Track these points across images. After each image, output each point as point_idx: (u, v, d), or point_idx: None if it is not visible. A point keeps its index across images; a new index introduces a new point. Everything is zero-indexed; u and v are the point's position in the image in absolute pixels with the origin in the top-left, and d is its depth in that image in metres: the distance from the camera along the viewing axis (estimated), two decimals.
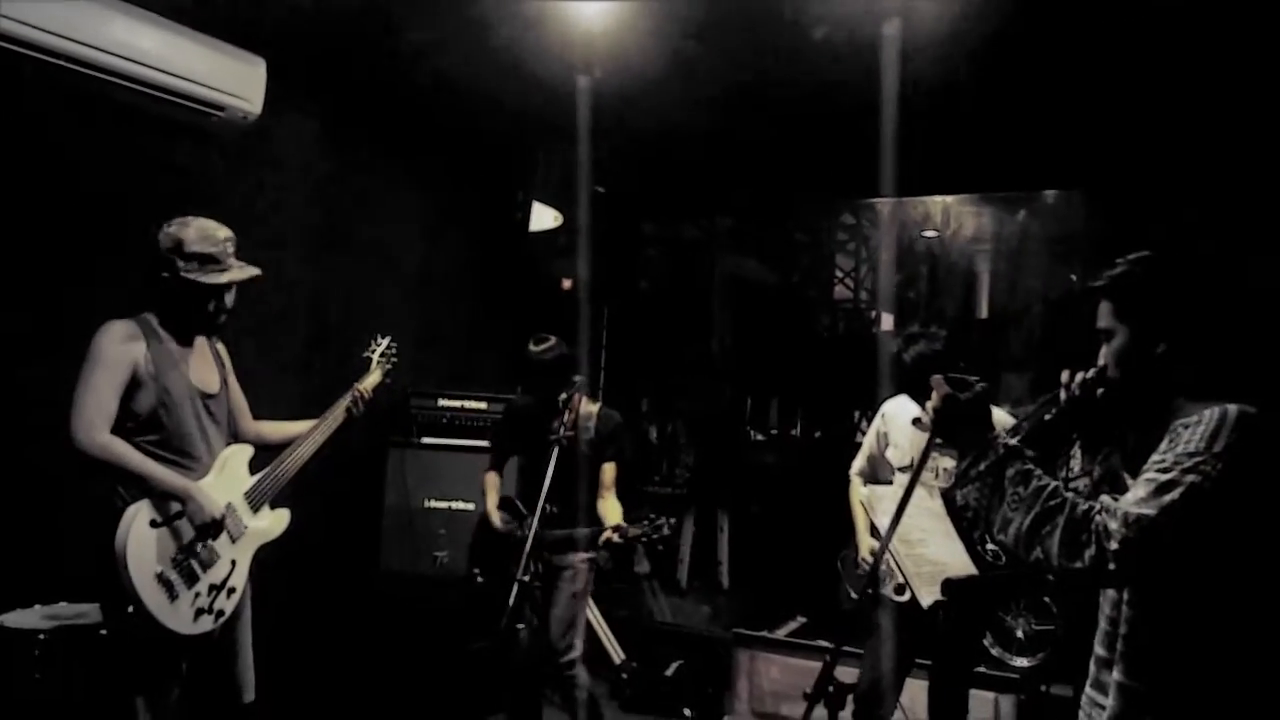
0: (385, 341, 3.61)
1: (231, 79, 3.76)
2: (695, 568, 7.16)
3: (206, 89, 3.68)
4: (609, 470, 3.89)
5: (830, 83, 4.36)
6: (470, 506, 4.64)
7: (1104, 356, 1.86)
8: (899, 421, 3.68)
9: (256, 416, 3.22)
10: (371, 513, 4.62)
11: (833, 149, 5.19)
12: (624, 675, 4.98)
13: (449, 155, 5.18)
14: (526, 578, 3.06)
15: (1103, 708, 1.81)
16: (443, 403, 4.78)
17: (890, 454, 3.71)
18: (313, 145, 4.54)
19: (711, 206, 7.55)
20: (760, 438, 8.39)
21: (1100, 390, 1.85)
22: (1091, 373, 1.87)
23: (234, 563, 2.91)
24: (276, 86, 3.89)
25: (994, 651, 5.34)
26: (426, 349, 4.95)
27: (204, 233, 2.82)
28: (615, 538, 3.63)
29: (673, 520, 3.68)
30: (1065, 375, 1.91)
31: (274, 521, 3.08)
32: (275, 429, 3.22)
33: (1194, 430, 1.67)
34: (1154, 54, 3.92)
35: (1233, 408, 1.67)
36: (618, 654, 5.10)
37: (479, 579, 3.80)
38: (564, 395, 3.57)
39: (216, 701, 2.95)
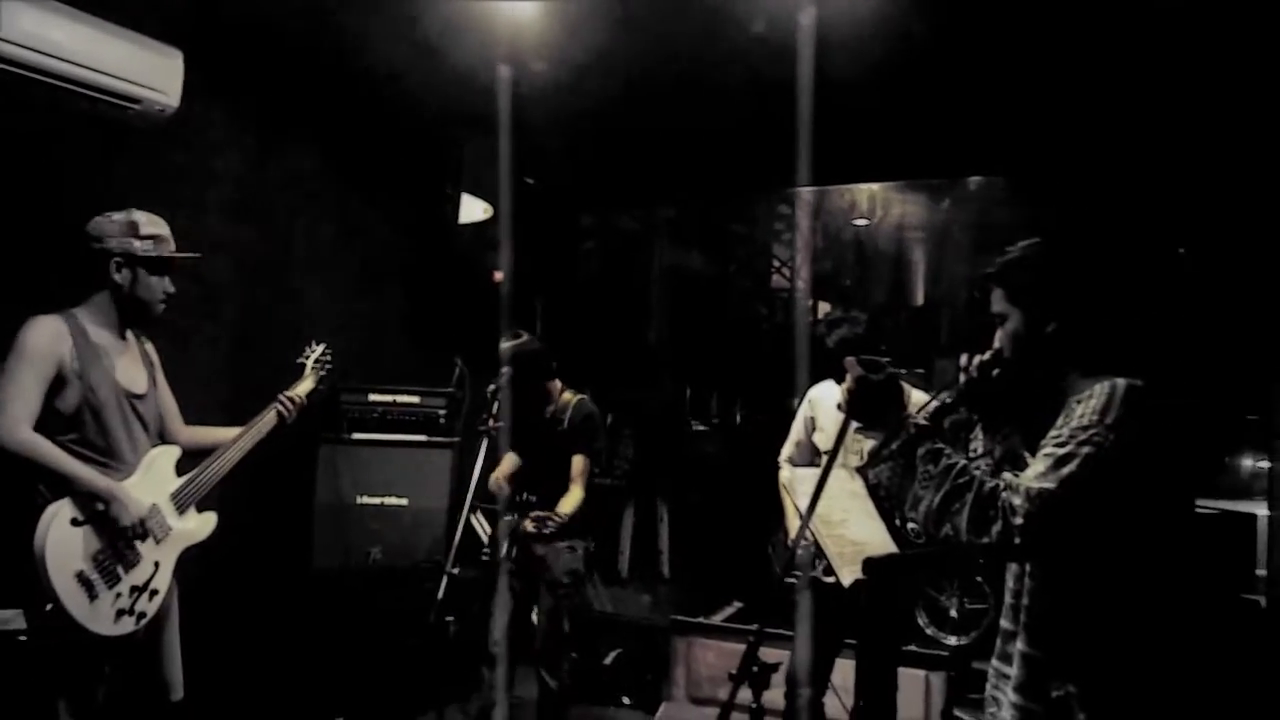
0: (320, 348, 3.60)
1: (147, 71, 3.66)
2: (636, 557, 7.20)
3: (121, 82, 3.57)
4: (577, 461, 3.93)
5: (759, 73, 4.39)
6: (404, 502, 4.61)
7: (999, 340, 1.93)
8: (825, 406, 3.73)
9: (186, 417, 3.18)
10: (303, 511, 4.56)
11: (764, 139, 5.23)
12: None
13: (376, 147, 5.12)
14: (455, 570, 3.06)
15: (1008, 678, 1.87)
16: (374, 397, 4.73)
17: (818, 438, 3.76)
18: (234, 139, 4.46)
19: (647, 198, 7.58)
20: (701, 427, 8.45)
21: (995, 371, 1.92)
22: (987, 355, 1.94)
23: (157, 564, 2.87)
24: (195, 79, 3.81)
25: (928, 630, 5.46)
26: (356, 343, 4.89)
27: (149, 216, 2.89)
28: (532, 524, 3.67)
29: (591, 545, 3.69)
30: (963, 359, 1.97)
31: (200, 524, 3.04)
32: (203, 434, 3.18)
33: (1086, 404, 1.73)
34: (1070, 41, 4.00)
35: (1121, 381, 1.74)
36: None
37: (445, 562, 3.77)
38: (491, 388, 3.59)
39: (143, 702, 2.92)
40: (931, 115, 4.79)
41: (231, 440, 3.10)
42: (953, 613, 5.48)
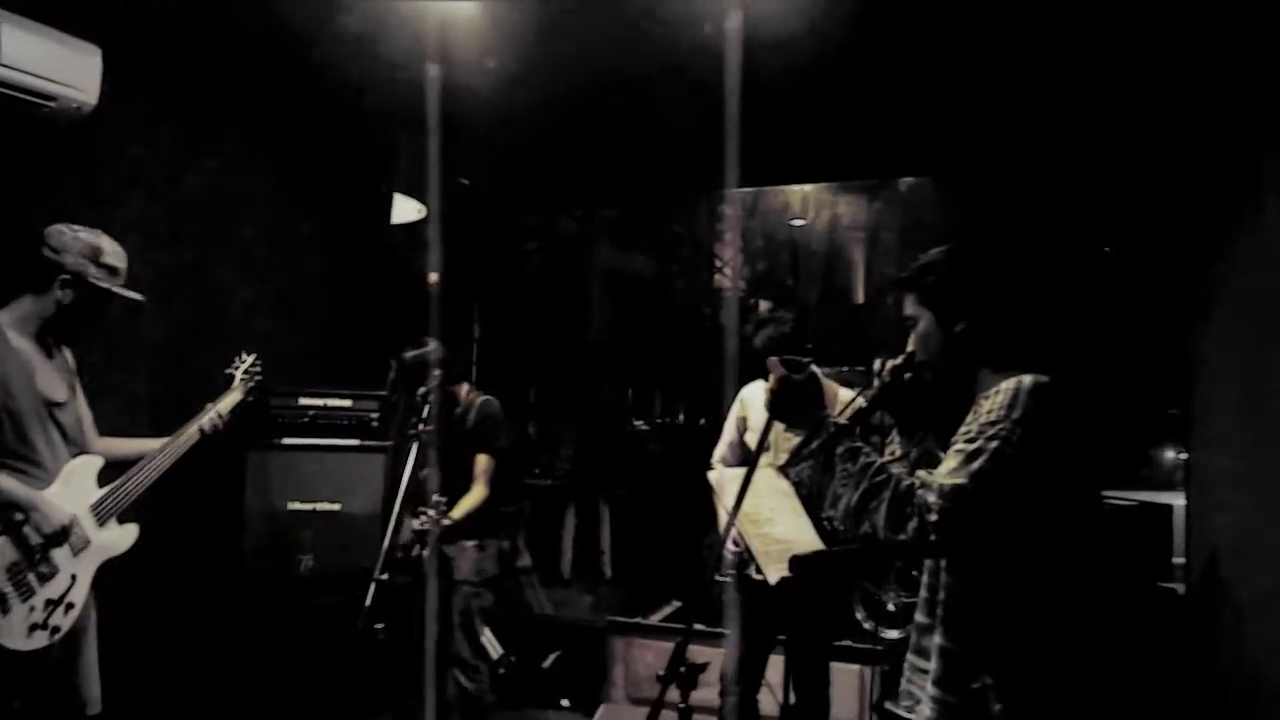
0: (250, 359, 3.55)
1: (63, 67, 3.56)
2: (578, 558, 7.19)
3: (35, 78, 3.47)
4: (479, 460, 3.96)
5: (695, 74, 4.38)
6: (336, 507, 4.54)
7: (911, 342, 1.97)
8: (756, 405, 3.76)
9: (107, 426, 3.11)
10: (231, 518, 4.48)
11: (699, 140, 5.24)
12: (501, 670, 4.96)
13: (306, 146, 5.04)
14: (385, 576, 3.03)
15: (926, 672, 1.90)
16: (304, 401, 4.63)
17: (749, 438, 3.79)
18: (156, 137, 4.35)
19: (587, 199, 7.57)
20: (644, 427, 8.47)
21: (908, 374, 1.95)
22: (900, 359, 1.97)
23: (74, 577, 2.80)
24: (115, 75, 3.71)
25: (866, 625, 5.52)
26: (286, 346, 4.82)
27: (114, 247, 2.91)
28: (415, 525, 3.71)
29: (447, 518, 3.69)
30: (877, 363, 2.01)
31: (120, 536, 2.98)
32: (124, 445, 3.12)
33: (993, 400, 1.77)
34: (994, 44, 4.08)
35: (1027, 377, 1.78)
36: (495, 648, 5.07)
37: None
38: (422, 391, 3.57)
39: (59, 717, 2.85)
40: (861, 117, 4.84)
41: (155, 452, 3.04)
42: (889, 606, 5.55)
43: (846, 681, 4.19)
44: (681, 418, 8.69)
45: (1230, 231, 3.52)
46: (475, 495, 3.89)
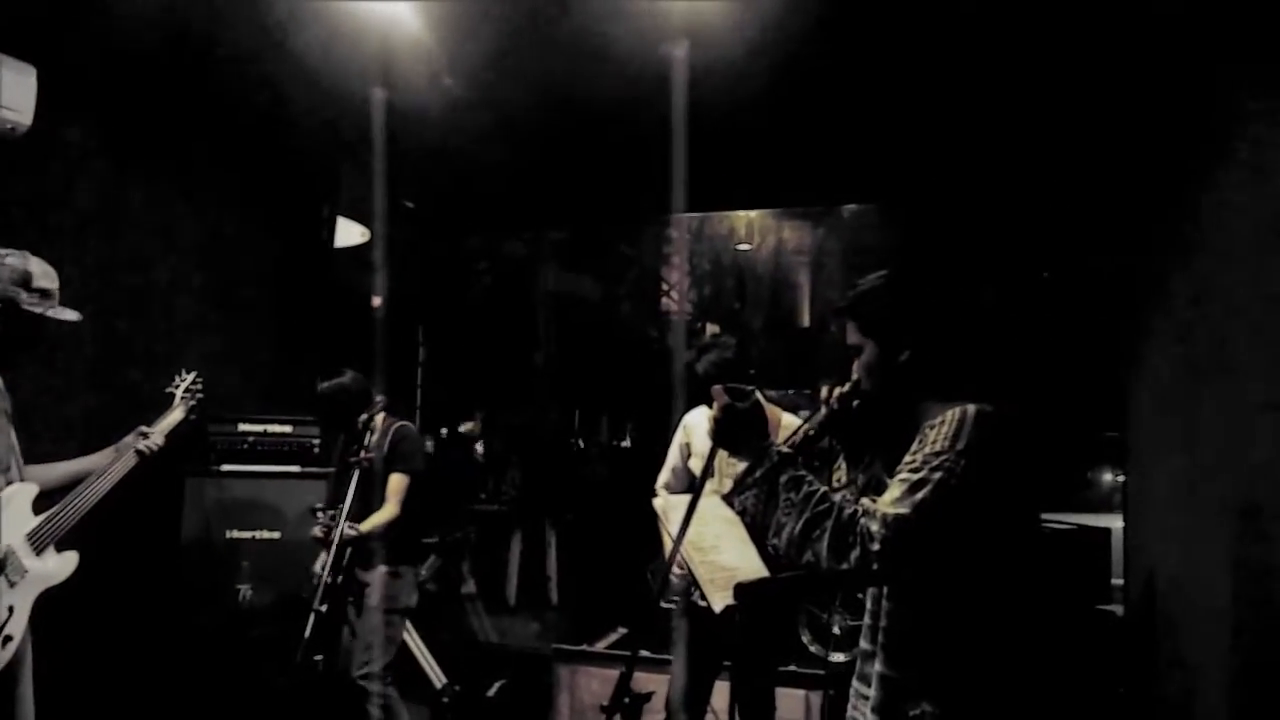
0: (190, 377, 3.48)
1: None
2: (524, 584, 7.12)
3: None
4: (393, 480, 3.92)
5: (641, 101, 4.42)
6: (276, 535, 4.46)
7: (856, 370, 1.98)
8: (699, 432, 3.76)
9: (43, 451, 3.03)
10: (168, 547, 4.37)
11: (646, 165, 5.27)
12: (445, 699, 4.88)
13: (248, 168, 4.96)
14: (324, 608, 2.97)
15: (867, 698, 1.90)
16: (243, 427, 4.56)
17: (693, 464, 3.79)
18: (94, 159, 4.26)
19: (533, 222, 7.55)
20: (590, 450, 8.44)
21: (855, 402, 1.96)
22: (846, 387, 1.98)
23: (11, 609, 2.71)
24: (52, 96, 3.64)
25: (812, 648, 5.53)
26: (225, 372, 4.72)
27: (44, 268, 2.82)
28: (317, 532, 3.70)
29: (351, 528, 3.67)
30: (824, 391, 2.02)
31: (59, 565, 2.89)
32: (58, 470, 3.03)
33: (938, 430, 1.78)
34: (939, 74, 4.15)
35: (972, 407, 1.79)
36: (439, 678, 5.00)
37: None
38: (364, 418, 3.52)
39: None
40: (805, 145, 4.90)
41: (95, 473, 2.96)
42: (835, 629, 5.56)
43: (791, 707, 4.19)
44: (628, 441, 8.69)
45: (1165, 257, 3.60)
46: (385, 512, 3.86)
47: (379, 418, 3.81)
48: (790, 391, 7.26)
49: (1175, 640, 3.37)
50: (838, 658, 5.56)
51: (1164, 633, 3.55)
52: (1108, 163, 4.31)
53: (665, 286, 9.35)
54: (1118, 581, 4.61)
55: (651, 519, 3.92)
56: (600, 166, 5.44)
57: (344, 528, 3.50)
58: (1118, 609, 4.48)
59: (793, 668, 4.43)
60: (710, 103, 4.20)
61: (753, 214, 7.82)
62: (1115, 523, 4.82)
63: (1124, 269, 4.34)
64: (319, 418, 4.32)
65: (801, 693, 4.22)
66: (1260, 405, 2.57)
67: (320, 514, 3.72)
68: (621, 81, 4.27)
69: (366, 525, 3.75)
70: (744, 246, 8.24)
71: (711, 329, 8.56)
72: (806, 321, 8.70)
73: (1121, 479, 5.21)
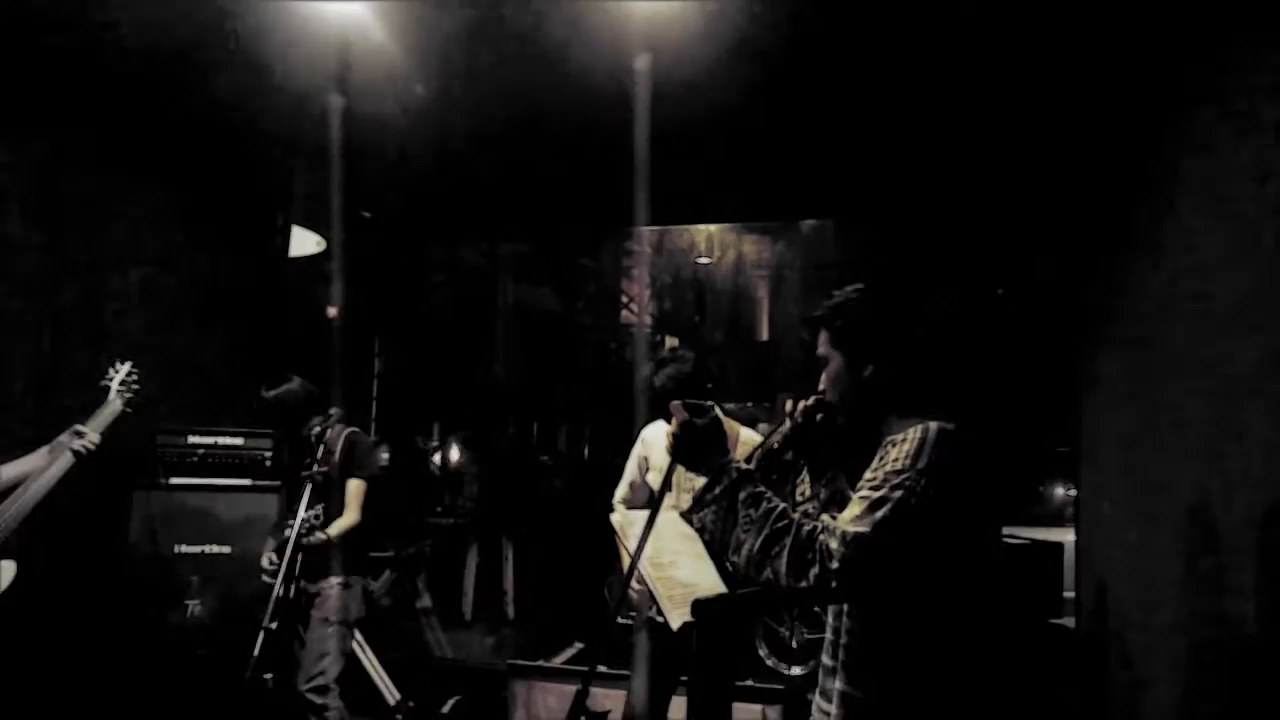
0: (125, 368, 3.38)
1: None
2: (480, 599, 7.05)
3: None
4: (351, 486, 3.88)
5: (602, 114, 4.42)
6: (226, 550, 4.37)
7: (822, 382, 1.97)
8: (657, 446, 3.74)
9: None
10: (114, 562, 4.26)
11: (607, 178, 5.26)
12: (398, 716, 4.81)
13: (201, 174, 4.87)
14: (274, 625, 2.91)
15: (828, 715, 1.89)
16: (193, 440, 4.47)
17: (651, 478, 3.78)
18: (42, 163, 4.16)
19: (493, 233, 7.51)
20: (548, 463, 8.39)
21: (819, 415, 1.96)
22: (812, 399, 1.97)
23: None
24: None
25: (769, 661, 5.52)
26: (176, 382, 4.63)
27: None
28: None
29: (322, 532, 3.63)
30: (789, 404, 2.01)
31: None
32: None
33: (900, 448, 1.78)
34: (898, 92, 4.19)
35: (934, 425, 1.79)
36: (393, 694, 4.92)
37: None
38: (315, 429, 3.45)
39: None
40: (765, 160, 4.92)
41: (31, 477, 2.88)
42: (792, 643, 5.57)
43: None
44: (586, 454, 8.65)
45: (1116, 273, 3.65)
46: (347, 519, 3.82)
47: (334, 427, 3.76)
48: (748, 405, 7.28)
49: (1127, 654, 3.41)
50: (795, 671, 5.57)
51: (1116, 647, 3.59)
52: (1060, 179, 4.37)
53: (625, 299, 9.34)
54: (1069, 595, 4.65)
55: (609, 533, 3.90)
56: (561, 178, 5.42)
57: (309, 533, 3.45)
58: (1069, 622, 4.53)
59: (750, 682, 4.42)
60: (672, 116, 4.20)
61: (713, 228, 7.84)
62: (1067, 536, 4.88)
63: (1075, 284, 4.39)
64: (263, 424, 4.24)
65: (758, 707, 4.20)
66: (1210, 420, 2.61)
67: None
68: (583, 93, 4.26)
69: (334, 530, 3.70)
70: (704, 260, 8.26)
71: (670, 342, 8.56)
72: (765, 335, 8.74)
73: (1072, 493, 5.27)
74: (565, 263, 8.73)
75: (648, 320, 9.21)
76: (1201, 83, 2.84)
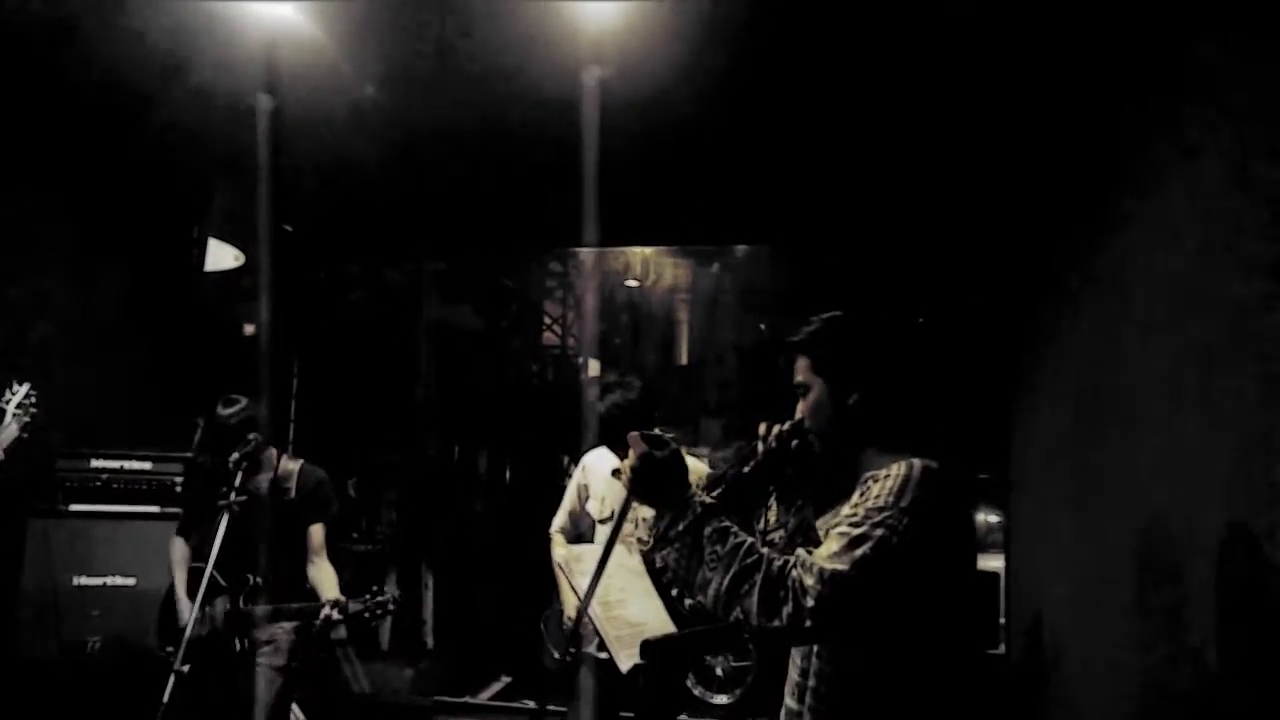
0: (23, 390, 3.17)
1: None
2: (398, 628, 6.82)
3: None
4: (316, 533, 3.64)
5: (534, 131, 4.34)
6: (131, 581, 4.13)
7: (800, 410, 1.90)
8: (599, 473, 3.65)
9: None
10: (7, 595, 3.97)
11: (537, 197, 5.18)
12: None
13: (110, 185, 4.62)
14: (185, 668, 2.70)
15: None
16: (97, 463, 4.22)
17: (591, 506, 3.67)
18: None
19: (416, 251, 7.33)
20: (468, 488, 8.21)
21: (795, 442, 1.88)
22: (788, 425, 1.89)
23: None
24: None
25: (696, 691, 5.45)
26: (79, 403, 4.36)
27: None
28: (334, 614, 3.37)
29: (397, 594, 3.47)
30: (762, 428, 1.92)
31: None
32: None
33: (882, 485, 1.70)
34: (840, 118, 4.20)
35: (918, 462, 1.73)
36: None
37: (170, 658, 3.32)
38: (235, 456, 3.24)
39: None
40: (700, 184, 4.89)
41: None
42: (719, 671, 5.51)
43: None
44: (507, 477, 8.49)
45: (1057, 300, 3.68)
46: (331, 572, 3.60)
47: (272, 455, 3.55)
48: (676, 435, 7.21)
49: (1066, 684, 3.41)
50: (721, 700, 5.52)
51: (1049, 672, 3.59)
52: (995, 205, 4.42)
53: (548, 320, 9.23)
54: (1001, 621, 4.67)
55: (535, 560, 3.77)
56: (488, 194, 5.31)
57: (330, 609, 3.27)
58: (1000, 649, 4.55)
59: (684, 717, 4.32)
60: (609, 135, 4.13)
61: (647, 250, 7.79)
62: (992, 562, 4.91)
63: (1007, 311, 4.44)
64: (207, 449, 3.91)
65: None
66: (1160, 451, 2.61)
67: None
68: (515, 110, 4.18)
69: (333, 595, 3.46)
70: (633, 282, 8.21)
71: (594, 364, 8.49)
72: (689, 359, 8.72)
73: (996, 519, 5.31)
74: (487, 282, 8.59)
75: (571, 343, 9.12)
76: (1147, 89, 2.86)
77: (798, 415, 1.90)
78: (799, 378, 1.91)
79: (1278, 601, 1.93)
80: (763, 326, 7.70)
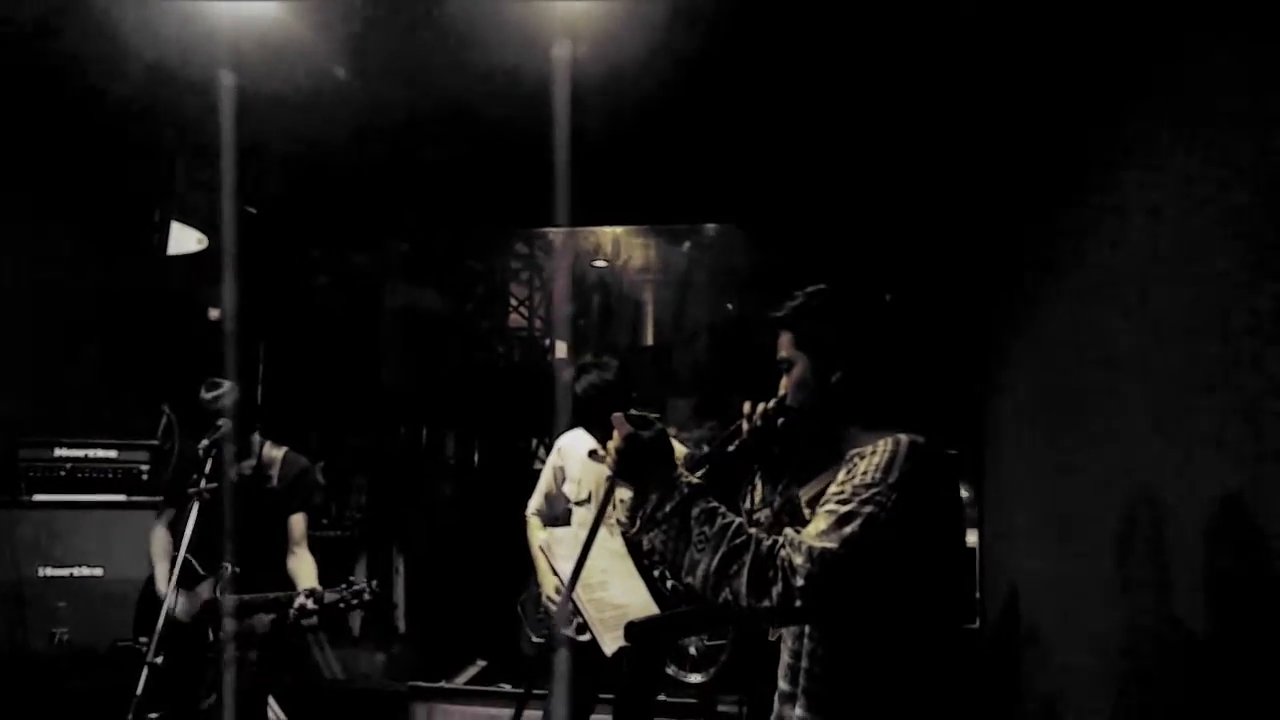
0: None
1: None
2: (369, 613, 6.75)
3: None
4: (297, 522, 3.61)
5: (500, 110, 4.28)
6: (98, 572, 4.05)
7: (784, 386, 1.88)
8: (575, 454, 3.62)
9: None
10: None
11: (504, 176, 5.12)
12: None
13: (68, 163, 4.49)
14: (159, 660, 2.65)
15: None
16: (61, 452, 4.13)
17: (567, 488, 3.64)
18: None
19: (381, 232, 7.22)
20: (437, 472, 8.13)
21: (781, 420, 1.86)
22: (772, 403, 1.88)
23: None
24: None
25: (669, 669, 5.45)
26: (41, 390, 4.26)
27: None
28: (310, 604, 3.33)
29: (374, 583, 3.41)
30: (746, 406, 1.90)
31: None
32: None
33: (870, 460, 1.69)
34: (808, 96, 4.17)
35: (904, 437, 1.72)
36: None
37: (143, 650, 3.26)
38: (205, 443, 3.18)
39: None
40: (671, 162, 4.85)
41: None
42: (692, 650, 5.51)
43: None
44: (476, 460, 8.42)
45: (1039, 277, 3.68)
46: (310, 562, 3.56)
47: (255, 441, 3.48)
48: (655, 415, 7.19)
49: (1041, 658, 3.43)
50: (694, 678, 5.52)
51: (1023, 646, 3.61)
52: (973, 182, 4.42)
53: (515, 302, 9.16)
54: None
55: (507, 541, 3.73)
56: (454, 174, 5.24)
57: (305, 598, 3.20)
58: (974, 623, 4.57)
59: (662, 697, 4.32)
60: (577, 115, 4.09)
61: (618, 230, 7.73)
62: (967, 537, 4.93)
63: (981, 285, 4.44)
64: (190, 436, 3.83)
65: None
66: (1136, 424, 2.62)
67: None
68: (483, 87, 4.12)
69: (312, 584, 3.42)
70: (600, 263, 8.15)
71: (560, 345, 8.43)
72: (656, 340, 8.68)
73: (967, 494, 5.34)
74: (453, 264, 8.48)
75: (538, 325, 9.05)
76: (1125, 80, 2.86)
77: (781, 391, 1.89)
78: (782, 353, 1.89)
79: (1256, 574, 1.95)
80: (730, 306, 7.69)
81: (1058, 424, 3.31)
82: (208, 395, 3.44)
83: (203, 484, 3.06)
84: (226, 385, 3.49)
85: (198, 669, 3.23)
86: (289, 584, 3.48)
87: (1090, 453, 2.97)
